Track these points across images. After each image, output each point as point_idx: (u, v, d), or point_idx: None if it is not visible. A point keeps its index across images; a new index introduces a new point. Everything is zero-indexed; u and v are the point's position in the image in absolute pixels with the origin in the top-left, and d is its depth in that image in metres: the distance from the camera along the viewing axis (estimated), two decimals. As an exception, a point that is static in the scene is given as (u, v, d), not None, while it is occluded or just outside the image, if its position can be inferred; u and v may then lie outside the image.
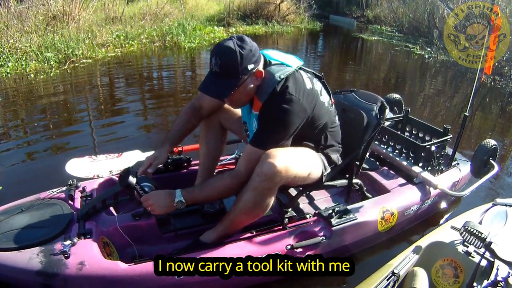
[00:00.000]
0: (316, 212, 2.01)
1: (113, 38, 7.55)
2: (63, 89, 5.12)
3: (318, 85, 1.77)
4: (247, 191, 1.64)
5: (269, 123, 1.64)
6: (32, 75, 5.46)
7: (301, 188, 1.96)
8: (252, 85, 1.64)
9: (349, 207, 2.04)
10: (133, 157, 2.42)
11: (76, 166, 2.32)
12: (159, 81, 6.13)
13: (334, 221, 1.91)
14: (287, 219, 1.92)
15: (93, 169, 2.29)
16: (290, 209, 1.97)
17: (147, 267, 1.59)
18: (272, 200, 1.69)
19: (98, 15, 8.56)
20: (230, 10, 11.46)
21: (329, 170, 1.91)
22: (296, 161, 1.66)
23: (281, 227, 1.89)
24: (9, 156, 3.25)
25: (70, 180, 2.08)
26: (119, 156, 2.44)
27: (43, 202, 1.91)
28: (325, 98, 1.79)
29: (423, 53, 9.04)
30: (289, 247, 1.77)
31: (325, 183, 1.94)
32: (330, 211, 1.96)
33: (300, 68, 1.74)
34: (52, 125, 3.98)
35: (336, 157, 1.95)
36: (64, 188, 2.04)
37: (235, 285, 1.79)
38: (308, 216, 2.00)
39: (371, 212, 2.06)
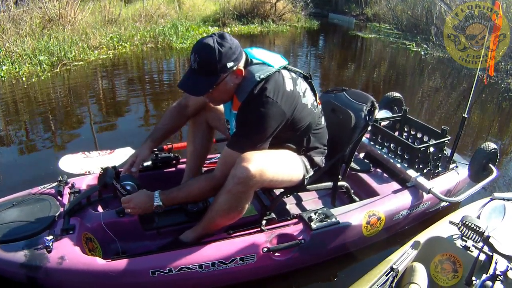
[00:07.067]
0: (297, 214, 1.98)
1: (107, 40, 7.53)
2: (54, 91, 5.13)
3: (302, 86, 1.73)
4: (222, 193, 1.64)
5: (245, 126, 1.62)
6: (24, 78, 5.45)
7: (282, 190, 1.94)
8: (232, 84, 1.61)
9: (333, 210, 2.01)
10: (124, 153, 2.42)
11: (69, 162, 2.34)
12: (149, 81, 6.12)
13: (314, 224, 1.88)
14: (265, 221, 1.90)
15: (85, 165, 2.31)
16: (269, 212, 1.94)
17: (123, 263, 1.62)
18: (247, 203, 1.68)
19: (95, 16, 8.55)
20: (226, 10, 11.45)
21: (311, 173, 1.88)
22: (273, 164, 1.64)
23: (259, 229, 1.87)
24: (6, 152, 3.37)
25: (60, 176, 2.12)
26: (111, 152, 2.45)
27: (33, 197, 1.97)
28: (308, 99, 1.75)
29: (419, 50, 9.06)
30: (265, 249, 1.76)
31: (308, 186, 1.92)
32: (311, 214, 1.94)
33: (284, 68, 1.71)
34: (46, 124, 4.04)
35: (320, 159, 1.91)
36: (54, 184, 2.08)
37: (218, 282, 1.81)
38: (289, 218, 1.97)
39: (356, 216, 2.02)
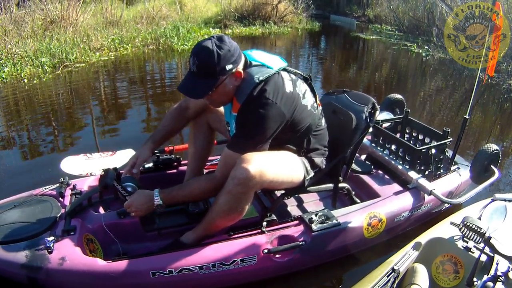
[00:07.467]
0: (298, 216, 1.98)
1: (108, 42, 7.56)
2: (56, 93, 5.15)
3: (302, 88, 1.73)
4: (222, 194, 1.64)
5: (245, 127, 1.63)
6: (25, 80, 5.47)
7: (283, 192, 1.94)
8: (231, 86, 1.62)
9: (333, 212, 2.01)
10: (126, 155, 2.42)
11: (70, 164, 2.35)
12: (151, 82, 6.15)
13: (315, 226, 1.88)
14: (265, 223, 1.90)
15: (86, 167, 2.32)
16: (270, 213, 1.94)
17: (124, 264, 1.63)
18: (248, 204, 1.68)
19: (97, 18, 8.57)
20: (227, 12, 11.47)
21: (312, 174, 1.87)
22: (273, 165, 1.64)
23: (260, 230, 1.87)
24: (7, 153, 3.39)
25: (62, 178, 2.13)
26: (112, 154, 2.46)
27: (35, 198, 1.98)
28: (308, 101, 1.75)
29: (420, 51, 9.04)
30: (266, 251, 1.76)
31: (309, 188, 1.91)
32: (312, 216, 1.93)
33: (284, 69, 1.71)
34: (48, 126, 4.05)
35: (320, 160, 1.91)
36: (55, 186, 2.09)
37: (218, 284, 1.81)
38: (290, 219, 1.97)
39: (357, 217, 2.01)
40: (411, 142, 2.68)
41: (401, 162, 2.45)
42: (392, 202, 2.16)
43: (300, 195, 2.34)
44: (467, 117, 2.41)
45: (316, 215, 1.94)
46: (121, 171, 1.95)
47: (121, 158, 2.40)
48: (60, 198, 1.98)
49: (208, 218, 1.74)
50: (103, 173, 1.86)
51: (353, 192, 2.18)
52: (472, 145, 3.88)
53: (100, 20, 8.58)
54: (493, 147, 2.45)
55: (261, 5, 12.01)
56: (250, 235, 1.84)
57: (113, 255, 1.79)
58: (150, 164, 2.32)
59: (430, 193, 2.21)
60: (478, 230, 1.51)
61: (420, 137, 2.65)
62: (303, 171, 1.82)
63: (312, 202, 2.36)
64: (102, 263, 1.62)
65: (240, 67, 1.61)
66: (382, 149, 2.62)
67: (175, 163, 2.38)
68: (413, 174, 2.32)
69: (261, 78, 1.58)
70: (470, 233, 1.55)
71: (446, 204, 2.41)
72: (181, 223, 1.94)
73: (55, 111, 4.44)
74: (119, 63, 6.95)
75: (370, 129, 2.35)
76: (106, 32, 7.92)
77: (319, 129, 1.85)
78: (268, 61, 1.68)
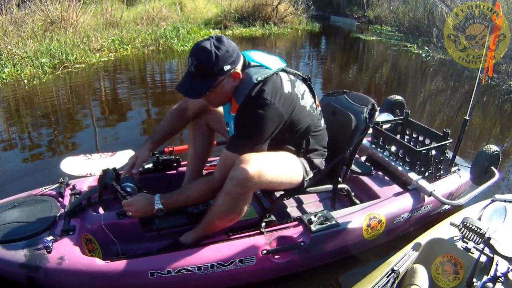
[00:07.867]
0: (297, 217, 1.98)
1: (108, 43, 7.56)
2: (56, 94, 5.15)
3: (301, 88, 1.73)
4: (221, 195, 1.64)
5: (243, 128, 1.63)
6: (25, 81, 5.48)
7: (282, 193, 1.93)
8: (229, 86, 1.62)
9: (333, 213, 2.00)
10: (126, 156, 2.41)
11: (70, 164, 2.35)
12: (151, 83, 6.16)
13: (314, 227, 1.87)
14: (264, 223, 1.89)
15: (86, 167, 2.31)
16: (269, 214, 1.94)
17: (122, 264, 1.63)
18: (246, 205, 1.68)
19: (97, 19, 8.58)
20: (227, 13, 11.48)
21: (311, 175, 1.87)
22: (271, 166, 1.64)
23: (259, 231, 1.87)
24: (7, 154, 3.39)
25: (61, 178, 2.13)
26: (112, 155, 2.45)
27: (34, 198, 1.98)
28: (307, 101, 1.75)
29: (420, 52, 9.04)
30: (264, 251, 1.75)
31: (308, 189, 1.91)
32: (311, 217, 1.93)
33: (283, 70, 1.71)
34: (48, 127, 4.05)
35: (319, 161, 1.90)
36: (55, 186, 2.09)
37: (217, 284, 1.80)
38: (289, 220, 1.97)
39: (356, 218, 2.00)
40: (411, 143, 2.67)
41: (401, 164, 2.45)
42: (392, 203, 2.16)
43: (300, 196, 2.34)
44: (467, 118, 2.41)
45: (315, 216, 1.94)
46: (120, 172, 1.95)
47: (121, 158, 2.40)
48: (60, 198, 1.99)
49: (207, 219, 1.74)
50: (102, 173, 1.86)
51: (353, 193, 2.18)
52: (472, 146, 3.87)
53: (100, 21, 8.58)
54: (493, 148, 2.44)
55: (261, 6, 12.02)
56: (249, 235, 1.84)
57: (112, 255, 1.79)
58: (150, 165, 2.33)
59: (430, 194, 2.20)
60: (478, 231, 1.51)
61: (420, 138, 2.65)
62: (302, 172, 1.82)
63: (312, 203, 2.35)
64: (100, 263, 1.62)
65: (238, 68, 1.61)
66: (382, 151, 2.61)
67: (175, 164, 2.38)
68: (413, 176, 2.31)
69: (259, 79, 1.58)
70: (470, 234, 1.55)
71: (446, 206, 2.41)
72: (181, 223, 1.94)
73: (55, 112, 4.44)
74: (119, 64, 6.95)
75: (370, 130, 2.35)
76: (106, 33, 7.92)
77: (318, 130, 1.84)
78: (267, 62, 1.68)
